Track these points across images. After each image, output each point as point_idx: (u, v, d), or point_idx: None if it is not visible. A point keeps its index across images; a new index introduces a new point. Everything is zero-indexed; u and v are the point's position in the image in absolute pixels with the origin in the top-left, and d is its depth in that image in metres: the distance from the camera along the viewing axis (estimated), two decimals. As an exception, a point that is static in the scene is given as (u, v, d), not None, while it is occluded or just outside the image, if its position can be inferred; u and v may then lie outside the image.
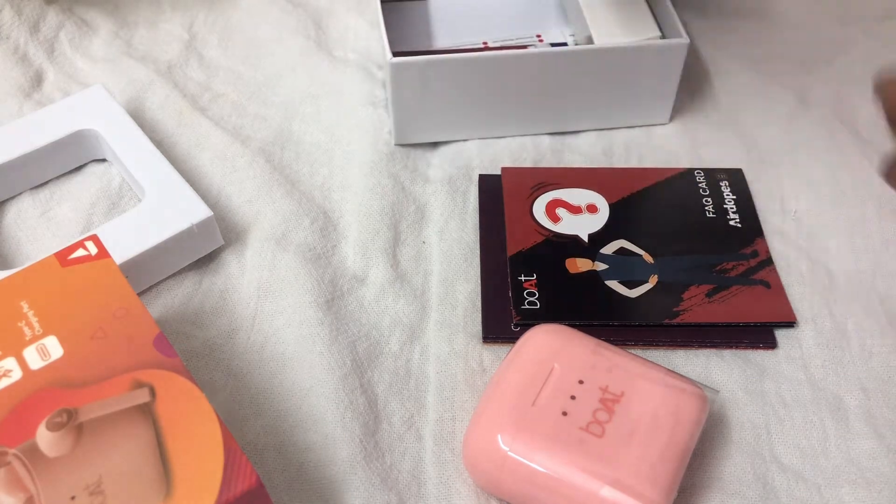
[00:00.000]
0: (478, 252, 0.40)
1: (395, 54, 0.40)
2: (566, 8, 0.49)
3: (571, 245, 0.39)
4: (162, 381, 0.28)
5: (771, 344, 0.36)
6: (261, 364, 0.35)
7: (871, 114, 0.46)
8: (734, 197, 0.42)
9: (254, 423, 0.34)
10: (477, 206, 0.42)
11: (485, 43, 0.49)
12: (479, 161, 0.44)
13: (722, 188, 0.42)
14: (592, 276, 0.38)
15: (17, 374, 0.28)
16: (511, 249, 0.39)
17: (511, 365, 0.32)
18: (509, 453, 0.30)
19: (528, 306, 0.37)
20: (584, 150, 0.45)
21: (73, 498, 0.25)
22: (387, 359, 0.36)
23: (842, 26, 0.52)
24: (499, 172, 0.43)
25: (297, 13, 0.52)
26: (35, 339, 0.29)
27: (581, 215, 0.41)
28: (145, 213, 0.38)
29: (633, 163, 0.44)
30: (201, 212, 0.38)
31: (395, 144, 0.44)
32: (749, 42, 0.51)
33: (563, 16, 0.50)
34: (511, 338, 0.36)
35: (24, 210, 0.41)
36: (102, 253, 0.32)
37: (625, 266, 0.39)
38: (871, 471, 0.33)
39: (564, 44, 0.49)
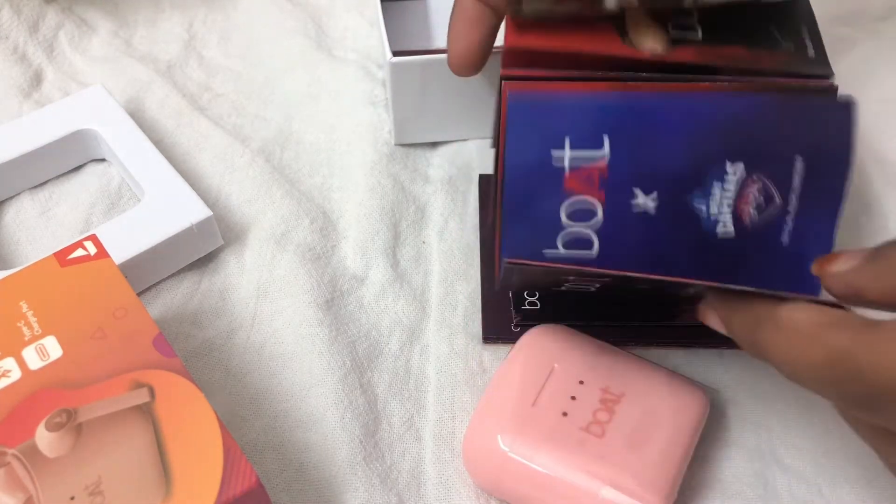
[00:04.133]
0: (478, 252, 0.40)
1: (395, 54, 0.40)
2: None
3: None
4: (161, 381, 0.28)
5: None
6: (260, 364, 0.35)
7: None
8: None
9: (253, 423, 0.34)
10: (477, 206, 0.42)
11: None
12: (479, 161, 0.44)
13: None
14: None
15: (16, 375, 0.28)
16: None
17: (511, 365, 0.32)
18: (509, 453, 0.30)
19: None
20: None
21: (72, 498, 0.25)
22: (387, 359, 0.36)
23: (842, 26, 0.52)
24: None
25: (297, 13, 0.52)
26: (34, 339, 0.29)
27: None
28: (145, 213, 0.38)
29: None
30: (201, 212, 0.38)
31: (395, 144, 0.44)
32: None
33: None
34: (511, 338, 0.36)
35: (24, 210, 0.41)
36: (101, 253, 0.32)
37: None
38: (872, 470, 0.32)
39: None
